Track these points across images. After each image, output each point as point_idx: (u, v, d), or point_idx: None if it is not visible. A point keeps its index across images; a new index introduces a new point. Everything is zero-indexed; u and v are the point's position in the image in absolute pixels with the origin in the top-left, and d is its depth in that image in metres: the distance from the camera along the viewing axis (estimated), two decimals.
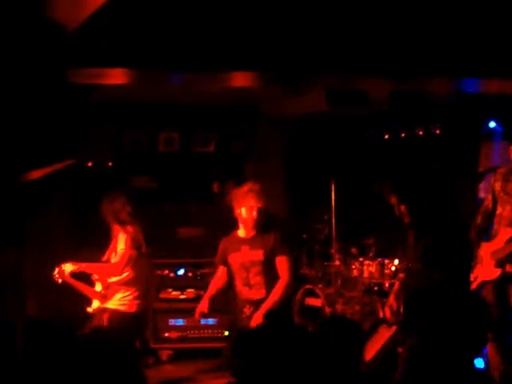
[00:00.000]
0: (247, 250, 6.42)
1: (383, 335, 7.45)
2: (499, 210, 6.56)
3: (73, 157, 8.14)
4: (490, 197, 6.70)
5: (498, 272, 6.48)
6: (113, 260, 6.73)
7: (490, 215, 6.63)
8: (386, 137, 9.46)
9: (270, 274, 6.36)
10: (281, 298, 6.31)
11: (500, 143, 8.17)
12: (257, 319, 6.18)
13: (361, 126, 9.49)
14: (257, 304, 6.32)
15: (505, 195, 6.65)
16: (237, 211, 6.48)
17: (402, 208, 7.22)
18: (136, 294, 6.72)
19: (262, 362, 3.24)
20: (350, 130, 9.40)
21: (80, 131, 8.30)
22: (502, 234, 6.46)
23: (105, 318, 6.70)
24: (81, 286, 6.81)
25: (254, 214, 6.37)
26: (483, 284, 6.52)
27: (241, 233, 6.53)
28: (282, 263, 6.37)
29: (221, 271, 6.66)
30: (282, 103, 8.74)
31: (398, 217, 7.27)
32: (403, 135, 9.35)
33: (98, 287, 6.84)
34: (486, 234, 6.70)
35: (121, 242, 6.66)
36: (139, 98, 8.52)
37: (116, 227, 6.74)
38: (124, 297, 6.71)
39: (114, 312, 6.71)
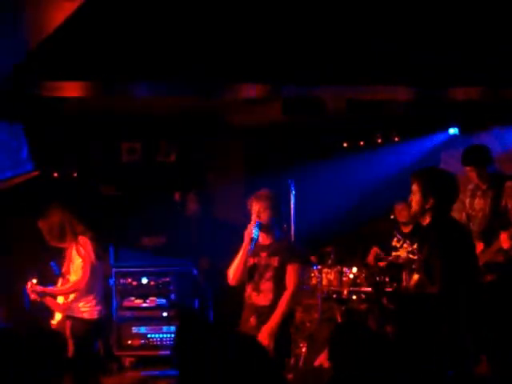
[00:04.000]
0: (265, 255, 6.25)
1: None
2: (471, 226, 6.88)
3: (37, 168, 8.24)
4: (463, 215, 6.97)
5: None
6: (71, 271, 6.86)
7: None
8: (345, 145, 9.62)
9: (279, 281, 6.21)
10: (286, 309, 6.14)
11: (459, 150, 8.32)
12: (264, 333, 5.98)
13: (320, 135, 9.62)
14: (262, 312, 6.15)
15: (472, 211, 6.96)
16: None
17: None
18: (95, 300, 6.82)
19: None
20: (310, 138, 9.51)
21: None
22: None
23: (67, 326, 6.77)
24: (45, 299, 6.89)
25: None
26: None
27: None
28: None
29: None
30: (242, 113, 8.86)
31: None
32: (362, 143, 9.52)
33: (61, 299, 6.94)
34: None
35: (76, 257, 6.79)
36: (102, 109, 8.63)
37: (69, 238, 6.89)
38: (85, 304, 6.81)
39: (76, 320, 6.79)
